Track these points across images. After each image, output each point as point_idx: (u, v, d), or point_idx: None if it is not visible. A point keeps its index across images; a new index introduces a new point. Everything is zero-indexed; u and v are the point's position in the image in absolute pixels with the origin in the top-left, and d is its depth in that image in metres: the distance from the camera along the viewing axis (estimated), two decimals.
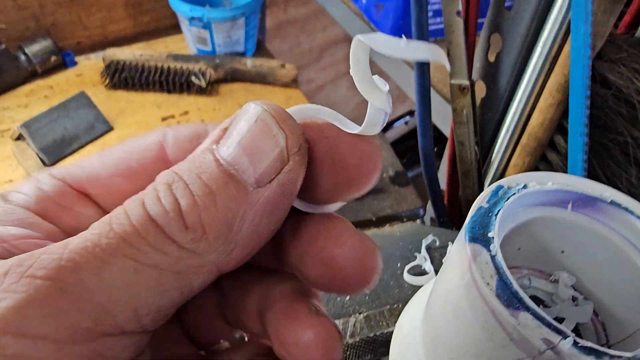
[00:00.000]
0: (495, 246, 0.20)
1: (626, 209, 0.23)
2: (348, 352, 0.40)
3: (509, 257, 0.25)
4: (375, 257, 0.16)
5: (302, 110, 0.17)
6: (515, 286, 0.19)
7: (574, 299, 0.27)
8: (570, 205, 0.24)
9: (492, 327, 0.19)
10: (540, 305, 0.27)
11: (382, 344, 0.40)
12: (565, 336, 0.18)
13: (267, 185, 0.15)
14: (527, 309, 0.19)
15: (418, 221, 0.70)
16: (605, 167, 0.42)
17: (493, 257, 0.20)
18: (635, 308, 0.24)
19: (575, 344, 0.18)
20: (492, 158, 0.53)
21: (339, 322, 0.41)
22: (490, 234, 0.21)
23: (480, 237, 0.21)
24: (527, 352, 0.19)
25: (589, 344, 0.18)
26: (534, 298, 0.27)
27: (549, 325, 0.18)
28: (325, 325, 0.16)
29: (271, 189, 0.15)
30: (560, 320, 0.27)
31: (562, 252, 0.26)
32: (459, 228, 0.82)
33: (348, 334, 0.40)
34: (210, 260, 0.14)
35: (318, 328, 0.16)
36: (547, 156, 0.47)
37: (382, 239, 0.50)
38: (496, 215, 0.21)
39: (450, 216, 0.63)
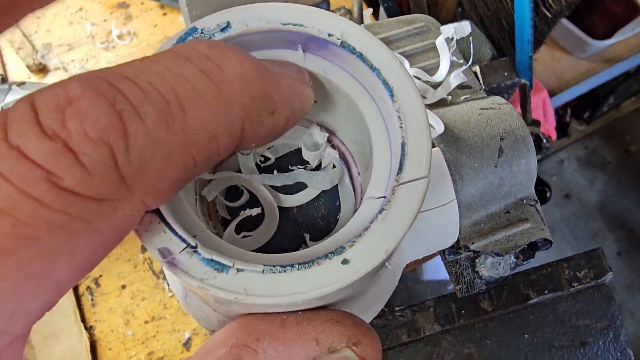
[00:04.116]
0: None
1: (353, 52, 0.20)
2: None
3: None
4: None
5: None
6: None
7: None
8: (300, 49, 0.21)
9: None
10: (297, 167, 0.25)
11: None
12: (189, 246, 0.16)
13: None
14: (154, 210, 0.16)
15: None
16: None
17: None
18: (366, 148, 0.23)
19: (197, 254, 0.16)
20: None
21: None
22: None
23: None
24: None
25: (213, 255, 0.16)
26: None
27: (173, 231, 0.16)
28: None
29: None
30: (303, 186, 0.25)
31: (315, 102, 0.23)
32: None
33: None
34: None
35: None
36: None
37: None
38: None
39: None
